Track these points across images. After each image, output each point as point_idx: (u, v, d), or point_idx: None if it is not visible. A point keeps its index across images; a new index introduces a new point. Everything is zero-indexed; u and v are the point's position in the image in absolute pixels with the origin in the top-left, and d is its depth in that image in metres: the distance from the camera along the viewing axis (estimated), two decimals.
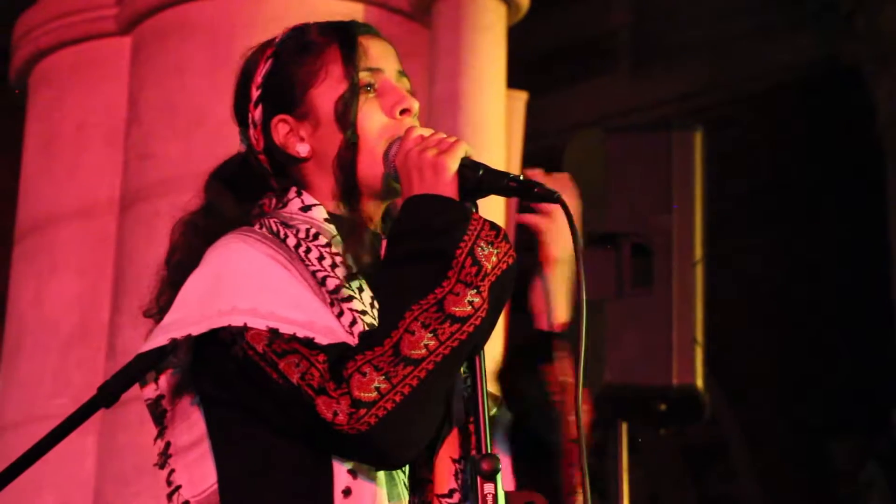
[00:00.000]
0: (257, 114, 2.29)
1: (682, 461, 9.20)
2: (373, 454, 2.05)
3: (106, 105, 5.34)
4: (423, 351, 2.02)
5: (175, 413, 2.20)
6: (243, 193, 2.29)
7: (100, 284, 5.15)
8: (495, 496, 2.05)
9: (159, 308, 2.23)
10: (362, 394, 2.00)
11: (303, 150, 2.27)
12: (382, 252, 2.27)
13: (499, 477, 2.06)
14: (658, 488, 9.04)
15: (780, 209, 8.51)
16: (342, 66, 2.25)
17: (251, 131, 2.31)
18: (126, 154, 5.23)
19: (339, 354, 2.05)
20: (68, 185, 5.34)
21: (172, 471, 2.19)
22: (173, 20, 5.21)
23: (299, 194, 2.26)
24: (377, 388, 2.00)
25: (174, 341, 2.12)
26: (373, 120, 2.25)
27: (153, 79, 5.22)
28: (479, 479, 2.05)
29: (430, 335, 2.03)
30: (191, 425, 2.18)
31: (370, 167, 2.25)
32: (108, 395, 2.17)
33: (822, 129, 8.23)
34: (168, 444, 2.20)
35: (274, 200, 2.27)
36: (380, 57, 2.28)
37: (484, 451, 2.08)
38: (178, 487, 2.18)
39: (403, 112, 2.26)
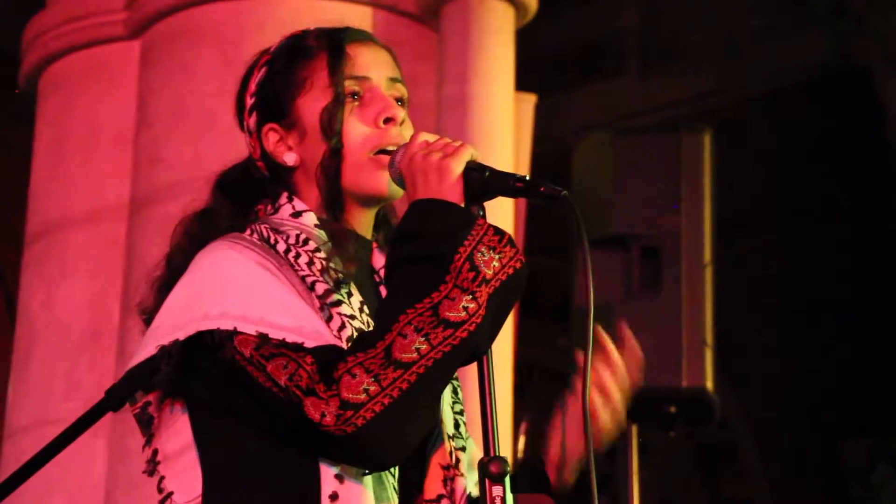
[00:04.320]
0: (252, 122, 2.32)
1: (692, 463, 9.19)
2: (358, 456, 2.05)
3: (115, 109, 5.34)
4: (415, 355, 2.02)
5: (161, 420, 2.20)
6: (242, 199, 2.30)
7: (110, 288, 5.16)
8: (504, 499, 2.05)
9: (151, 306, 2.25)
10: (351, 395, 2.00)
11: (290, 159, 2.28)
12: (372, 258, 2.30)
13: (507, 480, 2.06)
14: (668, 490, 9.03)
15: (791, 210, 8.50)
16: (328, 75, 2.26)
17: (247, 139, 2.34)
18: (136, 158, 5.24)
19: (327, 356, 2.05)
20: (78, 188, 5.34)
21: (163, 478, 2.19)
22: (182, 24, 5.21)
23: (290, 200, 2.27)
24: (366, 391, 2.00)
25: (163, 349, 2.12)
26: (356, 130, 2.25)
27: (163, 83, 5.22)
28: (487, 481, 2.06)
29: (422, 339, 2.02)
30: (177, 431, 2.19)
31: (353, 176, 2.25)
32: (115, 398, 2.18)
33: (832, 130, 8.22)
34: (156, 452, 2.20)
35: (269, 206, 2.29)
36: (368, 64, 2.28)
37: (492, 454, 2.08)
38: (170, 494, 2.18)
39: (387, 121, 2.26)
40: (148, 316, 2.25)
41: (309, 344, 2.07)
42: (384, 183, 2.25)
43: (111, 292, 5.15)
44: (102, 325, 5.15)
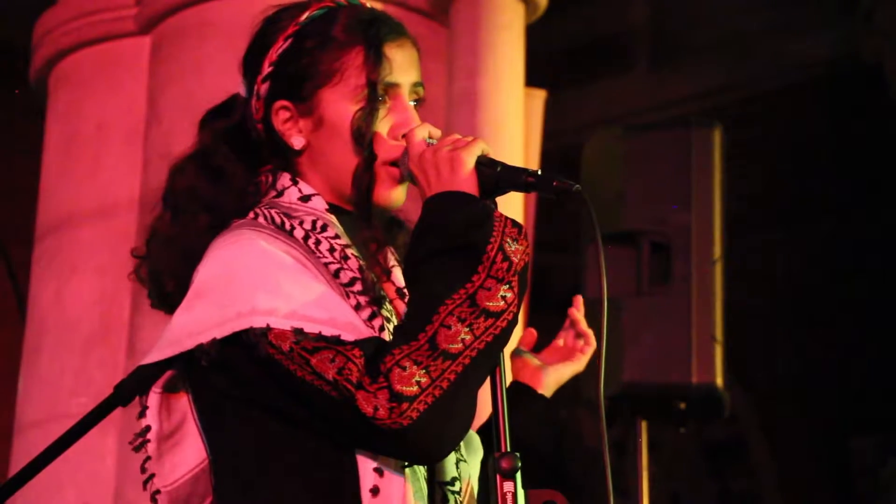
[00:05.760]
0: (263, 88, 2.27)
1: (701, 459, 9.19)
2: (410, 449, 2.04)
3: (126, 105, 5.35)
4: (460, 345, 2.02)
5: (160, 397, 2.18)
6: (250, 162, 2.27)
7: (120, 284, 5.15)
8: (515, 494, 2.05)
9: (147, 254, 2.24)
10: (403, 387, 1.99)
11: (297, 142, 2.25)
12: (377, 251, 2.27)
13: (518, 475, 2.06)
14: (677, 486, 9.03)
15: (800, 207, 8.49)
16: (363, 77, 2.22)
17: (253, 100, 2.29)
18: (146, 153, 5.24)
19: (371, 348, 2.03)
20: (88, 184, 5.35)
21: (148, 458, 2.19)
22: (192, 20, 5.21)
23: (294, 182, 2.24)
24: (417, 382, 1.99)
25: (201, 347, 2.09)
26: (377, 139, 2.23)
27: (173, 78, 5.23)
28: (498, 477, 2.06)
29: (466, 329, 2.02)
30: (171, 412, 2.18)
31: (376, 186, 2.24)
32: (124, 394, 2.18)
33: (842, 127, 8.21)
34: (147, 428, 2.19)
35: (269, 178, 2.25)
36: (401, 69, 2.25)
37: (503, 450, 2.08)
38: (152, 476, 2.18)
39: (406, 136, 2.22)
40: (147, 264, 2.23)
41: (346, 336, 2.04)
42: (394, 195, 2.24)
43: (121, 288, 5.15)
44: (112, 320, 5.16)
